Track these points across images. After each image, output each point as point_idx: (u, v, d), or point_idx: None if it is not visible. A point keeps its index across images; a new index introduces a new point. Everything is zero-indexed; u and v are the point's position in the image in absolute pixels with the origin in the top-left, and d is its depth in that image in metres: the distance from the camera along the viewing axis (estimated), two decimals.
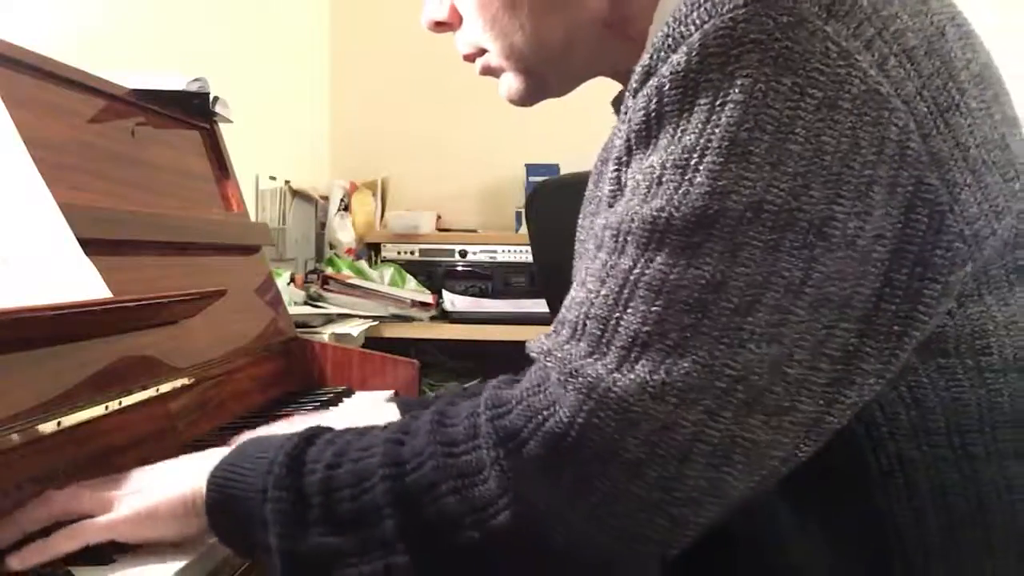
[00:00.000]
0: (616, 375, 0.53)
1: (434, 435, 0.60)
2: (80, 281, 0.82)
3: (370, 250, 2.60)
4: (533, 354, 0.59)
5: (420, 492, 0.59)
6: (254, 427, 1.02)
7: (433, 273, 2.52)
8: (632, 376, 0.53)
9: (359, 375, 1.37)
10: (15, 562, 0.64)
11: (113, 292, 0.84)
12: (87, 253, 0.84)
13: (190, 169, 1.30)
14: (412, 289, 2.40)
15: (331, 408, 1.19)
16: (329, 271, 2.34)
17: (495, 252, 2.53)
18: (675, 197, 0.54)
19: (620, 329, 0.55)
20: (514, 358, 1.07)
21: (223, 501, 0.65)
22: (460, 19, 0.77)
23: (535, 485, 0.55)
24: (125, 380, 0.87)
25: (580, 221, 0.90)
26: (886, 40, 0.55)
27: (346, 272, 2.36)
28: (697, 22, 0.55)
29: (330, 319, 2.08)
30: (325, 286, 2.24)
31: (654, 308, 0.54)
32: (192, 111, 1.30)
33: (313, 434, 0.66)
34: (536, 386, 0.57)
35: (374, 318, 2.20)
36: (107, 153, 1.06)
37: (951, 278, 0.56)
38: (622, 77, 0.76)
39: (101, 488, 0.70)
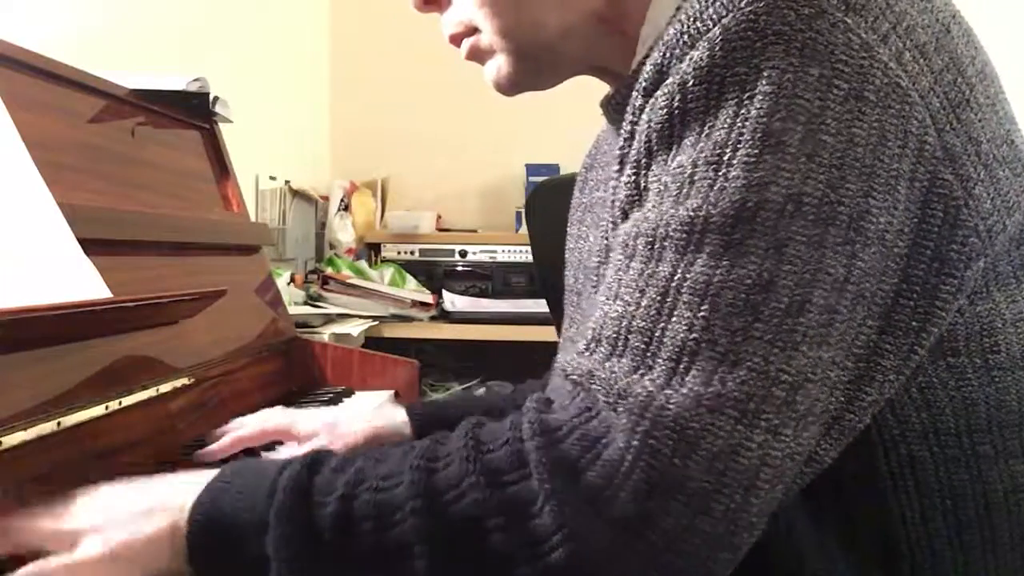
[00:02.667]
0: (668, 391, 0.50)
1: (473, 463, 0.53)
2: (80, 281, 0.82)
3: (370, 250, 2.60)
4: (572, 377, 0.55)
5: (460, 529, 0.52)
6: None
7: (433, 273, 2.52)
8: (684, 391, 0.50)
9: (359, 375, 1.37)
10: None
11: (113, 292, 0.84)
12: (87, 253, 0.84)
13: (190, 169, 1.30)
14: (412, 289, 2.40)
15: (331, 408, 1.19)
16: (329, 271, 2.34)
17: (495, 252, 2.53)
18: (711, 194, 0.52)
19: (666, 339, 0.52)
20: (514, 358, 1.07)
21: (210, 534, 0.56)
22: None
23: (592, 521, 0.50)
24: (125, 380, 0.86)
25: (569, 229, 0.90)
26: (900, 35, 0.55)
27: (346, 272, 2.36)
28: (715, 17, 0.54)
29: (330, 319, 2.08)
30: (325, 286, 2.24)
31: (700, 314, 0.51)
32: (192, 111, 1.30)
33: (316, 459, 0.58)
34: (587, 410, 0.53)
35: (374, 318, 2.20)
36: (107, 153, 1.06)
37: (967, 273, 0.56)
38: (609, 77, 0.76)
39: (61, 516, 0.61)
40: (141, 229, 1.03)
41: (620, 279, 0.56)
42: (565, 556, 0.50)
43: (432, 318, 2.34)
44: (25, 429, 0.70)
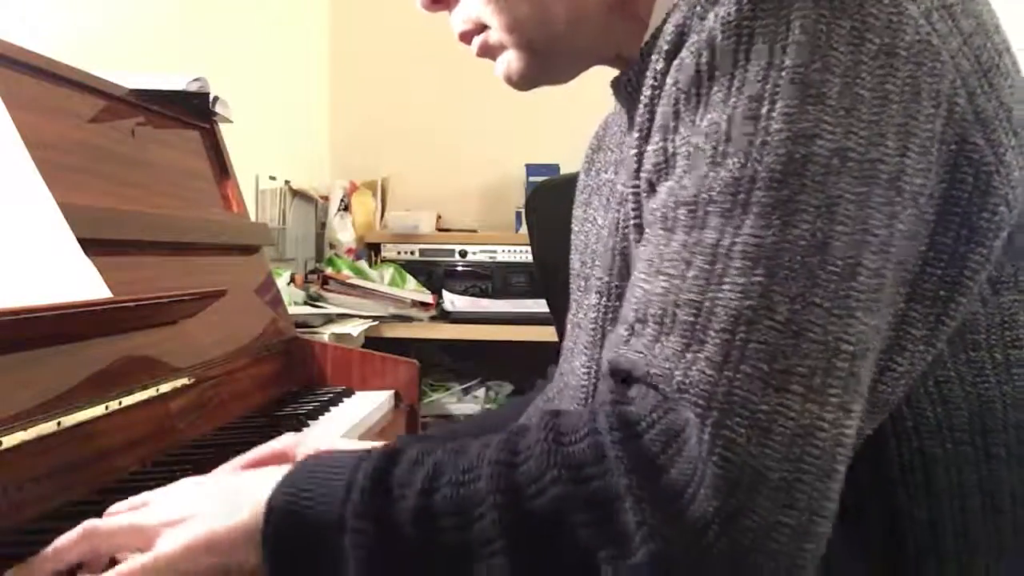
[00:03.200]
0: (727, 372, 0.47)
1: (553, 455, 0.51)
2: (80, 281, 0.82)
3: (370, 250, 2.60)
4: (637, 375, 0.52)
5: (542, 524, 0.50)
6: (254, 427, 1.03)
7: (433, 273, 2.52)
8: (747, 368, 0.47)
9: (359, 375, 1.37)
10: None
11: (113, 292, 0.84)
12: (87, 253, 0.84)
13: (190, 169, 1.30)
14: (412, 289, 2.40)
15: (331, 408, 1.19)
16: (329, 271, 2.34)
17: (495, 252, 2.53)
18: (753, 150, 0.50)
19: (717, 310, 0.48)
20: (514, 358, 1.07)
21: (286, 531, 0.55)
22: None
23: (674, 521, 0.48)
24: (125, 380, 0.86)
25: (575, 211, 0.89)
26: None
27: (346, 272, 2.36)
28: None
29: (330, 319, 2.08)
30: (325, 286, 2.24)
31: (755, 279, 0.48)
32: (192, 111, 1.30)
33: (395, 451, 0.57)
34: (662, 403, 0.50)
35: (374, 318, 2.20)
36: (107, 153, 1.06)
37: (995, 243, 0.54)
38: (623, 64, 0.74)
39: (137, 515, 0.61)
40: (141, 229, 1.03)
41: (661, 253, 0.53)
42: (647, 555, 0.48)
43: (432, 318, 2.34)
44: (25, 429, 0.70)
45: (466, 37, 0.73)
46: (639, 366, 0.52)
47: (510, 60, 0.71)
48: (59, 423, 0.74)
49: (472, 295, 2.48)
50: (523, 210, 2.26)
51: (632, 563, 0.48)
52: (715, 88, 0.52)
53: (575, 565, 0.50)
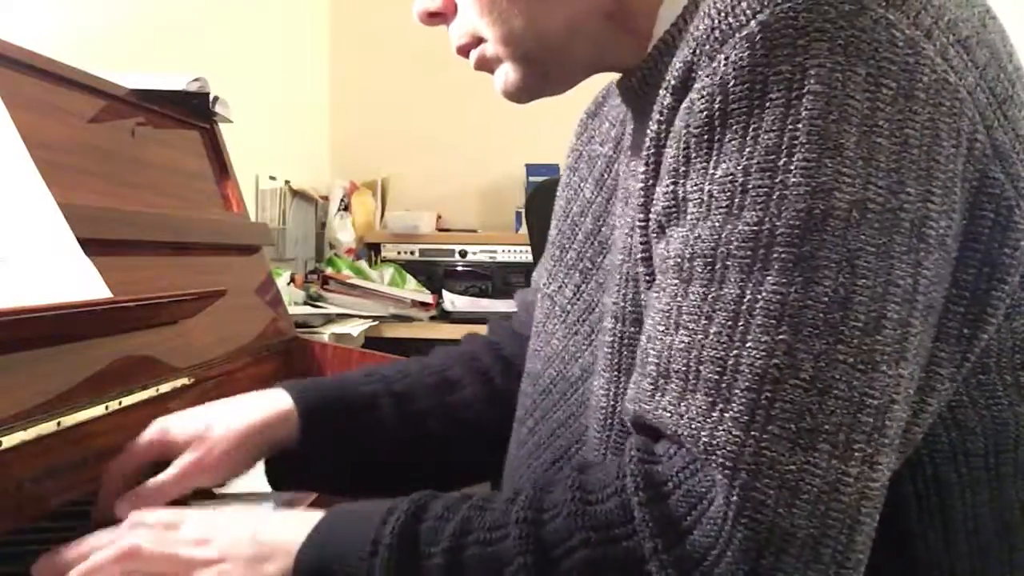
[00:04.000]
0: (755, 432, 0.47)
1: (580, 517, 0.52)
2: (80, 281, 0.82)
3: (370, 250, 2.60)
4: (666, 433, 0.52)
5: None
6: None
7: (433, 273, 2.52)
8: (774, 429, 0.47)
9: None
10: None
11: (113, 292, 0.84)
12: (87, 253, 0.84)
13: (190, 169, 1.29)
14: (412, 289, 2.40)
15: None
16: (329, 271, 2.34)
17: (495, 252, 2.53)
18: (771, 204, 0.49)
19: (742, 367, 0.49)
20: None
21: None
22: (455, 8, 0.72)
23: None
24: (125, 380, 0.86)
25: (562, 175, 0.87)
26: (942, 30, 0.52)
27: (346, 272, 2.36)
28: (748, 13, 0.51)
29: (330, 319, 2.08)
30: (325, 286, 2.25)
31: (779, 337, 0.48)
32: (192, 111, 1.30)
33: (419, 507, 0.57)
34: (689, 465, 0.50)
35: (374, 318, 2.20)
36: (107, 153, 1.06)
37: (1016, 278, 0.54)
38: (622, 71, 0.73)
39: (177, 541, 0.62)
40: (141, 229, 1.03)
41: (679, 306, 0.53)
42: None
43: (432, 318, 2.34)
44: (25, 429, 0.70)
45: (463, 51, 0.73)
46: (667, 424, 0.52)
47: (507, 73, 0.71)
48: (59, 423, 0.74)
49: (472, 295, 2.48)
50: (523, 210, 2.26)
51: None
52: (728, 136, 0.52)
53: None
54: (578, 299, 0.75)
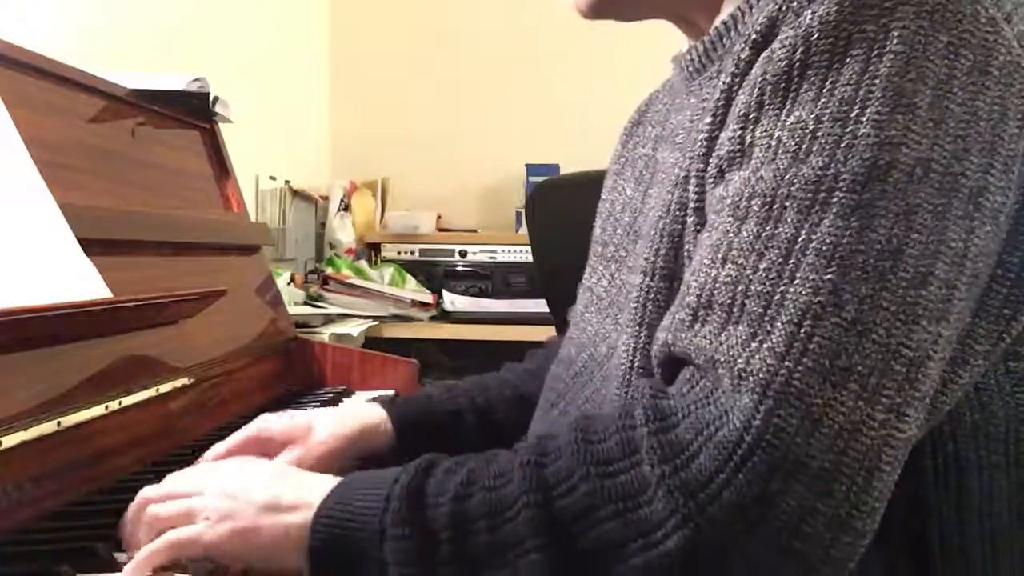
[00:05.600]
0: (788, 362, 0.49)
1: (582, 454, 0.53)
2: (80, 281, 0.82)
3: (370, 250, 2.60)
4: (695, 361, 0.53)
5: (573, 519, 0.52)
6: None
7: (433, 273, 2.52)
8: (809, 362, 0.48)
9: (359, 375, 1.37)
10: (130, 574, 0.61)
11: (113, 292, 0.84)
12: (87, 253, 0.84)
13: (190, 169, 1.30)
14: (412, 289, 2.40)
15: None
16: (329, 271, 2.34)
17: (495, 252, 2.53)
18: (838, 152, 0.51)
19: (787, 303, 0.50)
20: (514, 358, 1.07)
21: (331, 545, 0.58)
22: None
23: (708, 505, 0.49)
24: (125, 380, 0.86)
25: (606, 180, 0.89)
26: (1021, 17, 0.54)
27: (346, 272, 2.36)
28: None
29: (330, 319, 2.08)
30: (325, 286, 2.25)
31: (827, 275, 0.49)
32: (192, 111, 1.30)
33: (430, 463, 0.59)
34: (704, 397, 0.52)
35: (374, 318, 2.20)
36: (107, 153, 1.06)
37: None
38: (686, 25, 0.74)
39: (193, 493, 0.64)
40: (141, 229, 1.03)
41: (730, 242, 0.54)
42: (680, 542, 0.49)
43: (432, 318, 2.34)
44: (25, 429, 0.70)
45: None
46: (702, 350, 0.53)
47: None
48: (59, 423, 0.74)
49: (472, 295, 2.47)
50: (523, 210, 2.26)
51: (663, 550, 0.49)
52: (805, 86, 0.53)
53: (607, 560, 0.52)
54: (611, 286, 0.76)
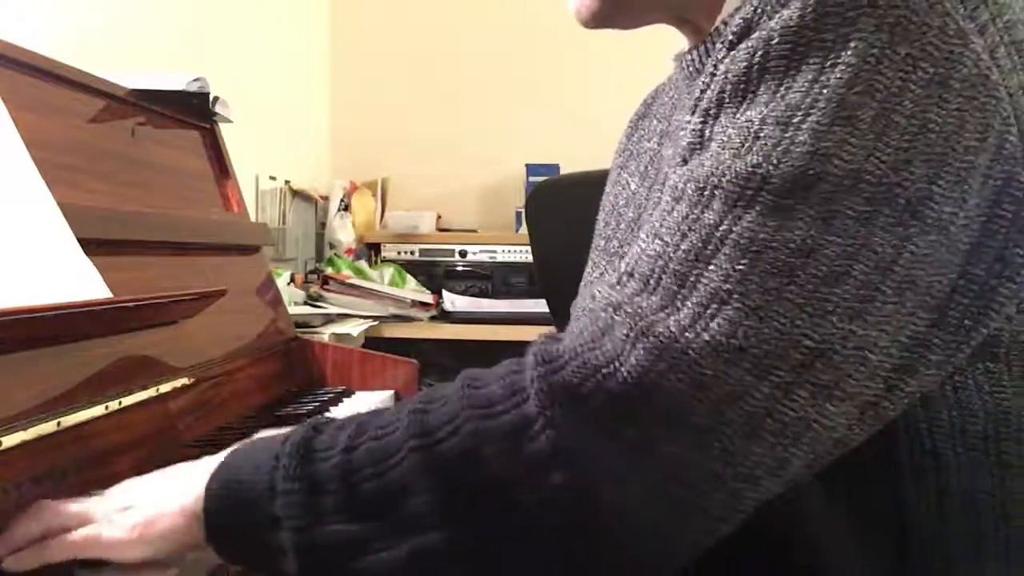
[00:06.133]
0: (689, 334, 0.51)
1: (466, 399, 0.55)
2: (80, 281, 0.82)
3: (370, 250, 2.60)
4: (597, 305, 0.56)
5: (456, 460, 0.54)
6: (255, 427, 1.02)
7: (433, 273, 2.52)
8: (707, 336, 0.51)
9: (359, 375, 1.37)
10: (11, 562, 0.62)
11: (113, 292, 0.84)
12: (87, 253, 0.84)
13: (190, 169, 1.30)
14: (412, 289, 2.40)
15: (331, 408, 1.19)
16: (329, 271, 2.34)
17: (495, 252, 2.53)
18: (774, 154, 0.52)
19: (699, 285, 0.52)
20: (514, 358, 1.07)
21: (225, 507, 0.59)
22: None
23: (592, 445, 0.52)
24: (125, 380, 0.86)
25: (610, 174, 0.89)
26: (998, 28, 0.54)
27: (346, 272, 2.36)
28: None
29: (330, 319, 2.08)
30: (325, 286, 2.24)
31: (739, 266, 0.51)
32: (192, 111, 1.30)
33: (320, 423, 0.61)
34: (592, 340, 0.54)
35: (374, 318, 2.20)
36: (107, 153, 1.06)
37: None
38: (688, 28, 0.75)
39: (90, 500, 0.66)
40: (141, 229, 1.03)
41: (663, 220, 0.56)
42: (562, 479, 0.52)
43: (432, 318, 2.34)
44: (25, 429, 0.70)
45: None
46: (610, 299, 0.55)
47: None
48: (59, 423, 0.74)
49: (472, 295, 2.47)
50: (523, 210, 2.26)
51: (547, 487, 0.51)
52: (762, 88, 0.54)
53: (495, 500, 0.53)
54: None
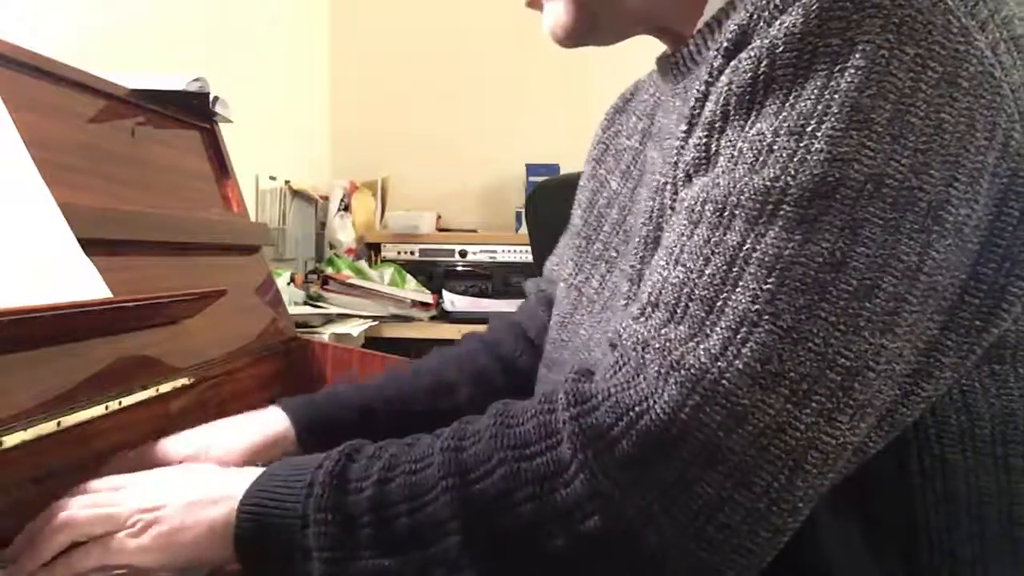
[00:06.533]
0: (721, 363, 0.49)
1: (500, 438, 0.54)
2: (80, 281, 0.82)
3: (370, 250, 2.60)
4: (626, 344, 0.54)
5: (491, 501, 0.53)
6: None
7: (433, 273, 2.52)
8: (740, 364, 0.49)
9: (359, 375, 1.37)
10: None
11: (113, 292, 0.84)
12: (87, 253, 0.84)
13: (190, 169, 1.29)
14: (412, 289, 2.40)
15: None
16: (329, 271, 2.34)
17: (495, 252, 2.53)
18: (791, 165, 0.51)
19: (727, 309, 0.50)
20: None
21: (256, 533, 0.58)
22: None
23: (628, 488, 0.50)
24: (125, 380, 0.86)
25: (584, 167, 0.87)
26: (997, 24, 0.53)
27: (346, 272, 2.36)
28: None
29: (330, 319, 2.08)
30: (325, 286, 2.24)
31: (766, 286, 0.50)
32: (192, 111, 1.30)
33: (354, 449, 0.60)
34: (626, 380, 0.52)
35: (374, 318, 2.20)
36: (107, 153, 1.06)
37: None
38: (668, 37, 0.74)
39: (117, 497, 0.64)
40: (141, 229, 1.03)
41: (683, 244, 0.54)
42: (598, 524, 0.50)
43: (432, 318, 2.34)
44: (25, 429, 0.70)
45: None
46: (638, 336, 0.53)
47: (558, 14, 0.71)
48: (59, 423, 0.74)
49: (472, 295, 2.48)
50: (523, 210, 2.26)
51: (581, 532, 0.50)
52: (769, 99, 0.53)
53: (528, 542, 0.52)
54: (603, 289, 0.75)
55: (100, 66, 1.11)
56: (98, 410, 0.80)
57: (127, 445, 0.84)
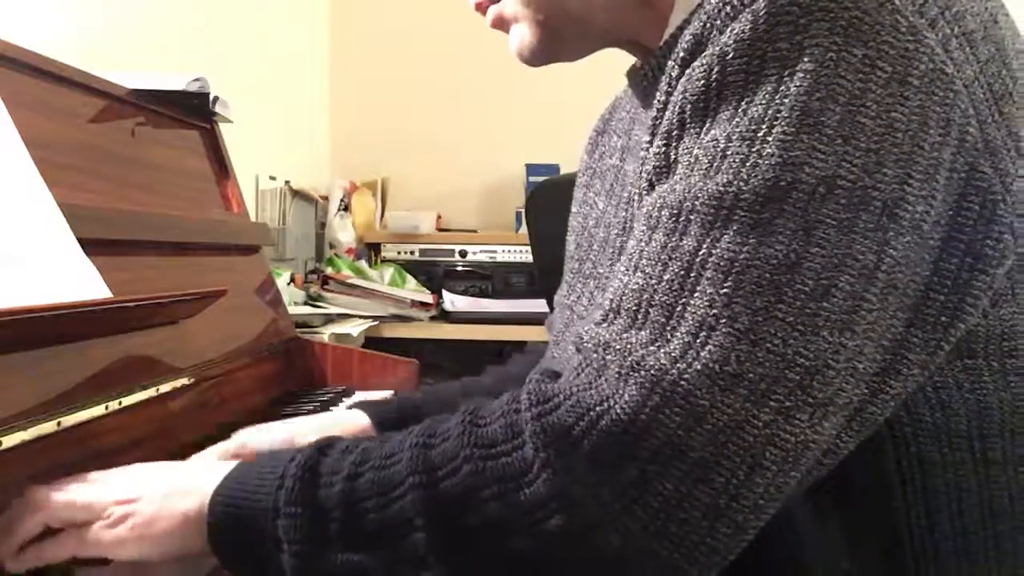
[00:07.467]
0: (681, 364, 0.50)
1: (468, 436, 0.55)
2: (80, 281, 0.82)
3: (370, 250, 2.60)
4: (587, 346, 0.55)
5: (457, 500, 0.54)
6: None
7: (433, 273, 2.52)
8: (699, 365, 0.50)
9: (359, 375, 1.37)
10: (11, 564, 0.62)
11: (113, 292, 0.84)
12: (87, 253, 0.84)
13: (190, 169, 1.29)
14: (412, 289, 2.40)
15: (331, 408, 1.19)
16: (329, 271, 2.34)
17: (495, 252, 2.53)
18: (743, 170, 0.51)
19: (686, 314, 0.51)
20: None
21: (229, 523, 0.59)
22: None
23: (589, 487, 0.51)
24: (125, 380, 0.86)
25: (575, 192, 0.88)
26: (948, 20, 0.53)
27: (346, 272, 2.36)
28: None
29: (330, 319, 2.08)
30: (325, 286, 2.24)
31: (723, 289, 0.51)
32: (192, 111, 1.30)
33: (326, 444, 0.61)
34: (588, 381, 0.53)
35: (374, 318, 2.20)
36: (107, 153, 1.06)
37: (999, 270, 0.55)
38: (637, 50, 0.74)
39: (94, 489, 0.65)
40: (141, 229, 1.03)
41: (642, 251, 0.55)
42: (561, 523, 0.51)
43: (432, 318, 2.34)
44: (25, 429, 0.70)
45: (481, 7, 0.74)
46: (600, 338, 0.54)
47: (523, 35, 0.71)
48: (59, 423, 0.74)
49: (472, 295, 2.48)
50: (523, 210, 2.26)
51: (543, 531, 0.51)
52: (722, 105, 0.54)
53: (491, 540, 0.53)
54: (591, 304, 0.76)
55: (100, 66, 1.11)
56: (98, 410, 0.80)
57: (127, 445, 0.84)
